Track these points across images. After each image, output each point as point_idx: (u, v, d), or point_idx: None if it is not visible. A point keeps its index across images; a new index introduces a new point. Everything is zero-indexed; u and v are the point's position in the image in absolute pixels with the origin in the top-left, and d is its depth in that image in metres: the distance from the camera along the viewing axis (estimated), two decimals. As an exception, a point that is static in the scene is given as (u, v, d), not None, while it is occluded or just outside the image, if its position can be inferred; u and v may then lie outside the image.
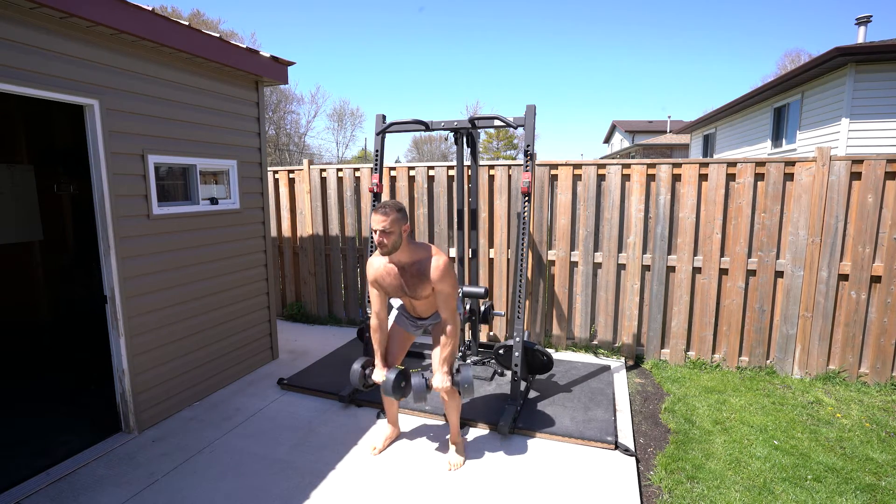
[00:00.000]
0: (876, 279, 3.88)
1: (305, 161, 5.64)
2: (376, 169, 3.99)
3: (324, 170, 5.51)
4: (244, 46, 3.78)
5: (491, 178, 4.75)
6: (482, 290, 3.74)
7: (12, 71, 2.48)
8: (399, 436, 3.17)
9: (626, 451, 2.98)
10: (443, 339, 2.70)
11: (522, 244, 3.52)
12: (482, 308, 4.06)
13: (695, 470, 2.84)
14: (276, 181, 5.78)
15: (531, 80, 79.43)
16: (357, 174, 5.36)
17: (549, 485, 2.66)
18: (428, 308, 2.83)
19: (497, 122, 3.58)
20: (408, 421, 3.37)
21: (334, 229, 5.55)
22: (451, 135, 4.02)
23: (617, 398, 3.72)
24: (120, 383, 3.13)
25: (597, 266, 4.57)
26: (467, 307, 3.91)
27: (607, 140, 39.46)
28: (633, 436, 3.24)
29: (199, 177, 3.67)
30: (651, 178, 4.30)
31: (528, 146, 3.59)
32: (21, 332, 5.09)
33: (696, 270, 4.30)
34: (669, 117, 30.76)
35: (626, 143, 32.26)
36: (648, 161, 4.28)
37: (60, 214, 5.49)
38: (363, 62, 79.87)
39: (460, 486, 2.66)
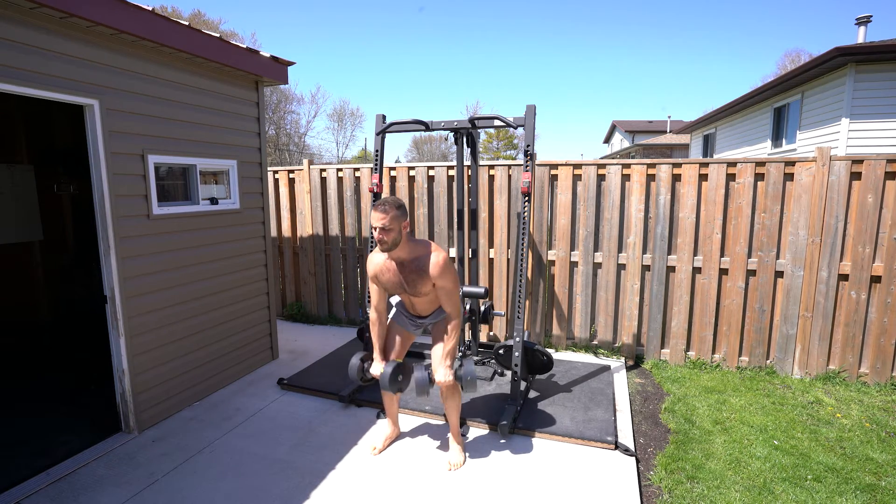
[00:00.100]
0: (876, 279, 3.88)
1: (305, 161, 5.64)
2: (376, 169, 3.99)
3: (324, 170, 5.51)
4: (244, 46, 3.78)
5: (491, 178, 4.75)
6: (482, 290, 3.74)
7: (12, 71, 2.48)
8: (399, 436, 3.17)
9: (626, 451, 2.98)
10: (445, 332, 2.71)
11: (522, 244, 3.52)
12: (482, 308, 4.06)
13: (695, 470, 2.84)
14: (276, 181, 5.78)
15: (531, 80, 79.54)
16: (357, 174, 5.36)
17: (550, 485, 2.66)
18: (427, 306, 2.83)
19: (497, 122, 3.58)
20: (408, 421, 3.37)
21: (334, 229, 5.55)
22: (451, 135, 4.02)
23: (617, 398, 3.72)
24: (120, 383, 3.13)
25: (597, 266, 4.57)
26: (467, 307, 3.91)
27: (607, 140, 39.46)
28: (633, 436, 3.24)
29: (199, 177, 3.67)
30: (651, 178, 4.30)
31: (528, 146, 3.59)
32: (21, 332, 5.09)
33: (696, 270, 4.30)
34: (669, 117, 30.77)
35: (626, 143, 32.26)
36: (648, 161, 4.28)
37: (60, 214, 5.49)
38: (363, 62, 79.97)
39: (460, 485, 2.66)
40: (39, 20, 2.58)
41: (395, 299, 3.03)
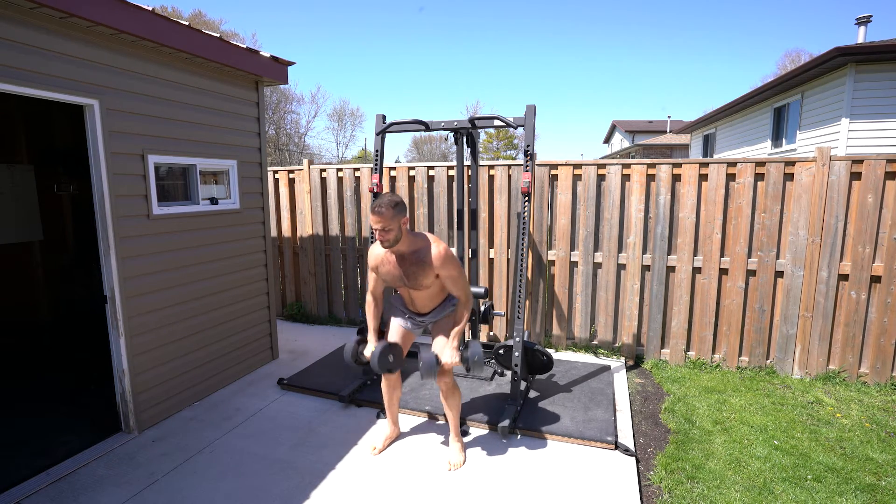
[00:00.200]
0: (876, 279, 3.88)
1: (305, 161, 5.64)
2: (376, 169, 3.99)
3: (324, 170, 5.51)
4: (244, 46, 3.78)
5: (491, 178, 4.75)
6: (482, 290, 3.75)
7: (12, 71, 2.48)
8: (399, 436, 3.17)
9: (626, 451, 2.98)
10: (452, 319, 2.73)
11: (522, 244, 3.52)
12: (482, 308, 4.06)
13: (695, 470, 2.84)
14: (276, 181, 5.78)
15: (531, 80, 79.54)
16: (357, 174, 5.36)
17: (550, 485, 2.66)
18: (427, 302, 2.82)
19: (497, 122, 3.58)
20: (408, 421, 3.37)
21: (334, 229, 5.55)
22: (451, 135, 4.02)
23: (617, 398, 3.72)
24: (120, 383, 3.13)
25: (597, 266, 4.57)
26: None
27: (607, 140, 39.46)
28: (633, 436, 3.24)
29: (199, 177, 3.67)
30: (651, 178, 4.30)
31: (528, 146, 3.59)
32: (21, 332, 5.09)
33: (696, 270, 4.30)
34: (669, 117, 30.77)
35: (626, 143, 32.26)
36: (648, 161, 4.28)
37: (60, 214, 5.49)
38: (363, 62, 79.98)
39: (460, 485, 2.66)
40: (39, 20, 2.58)
41: (395, 299, 3.03)
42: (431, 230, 5.09)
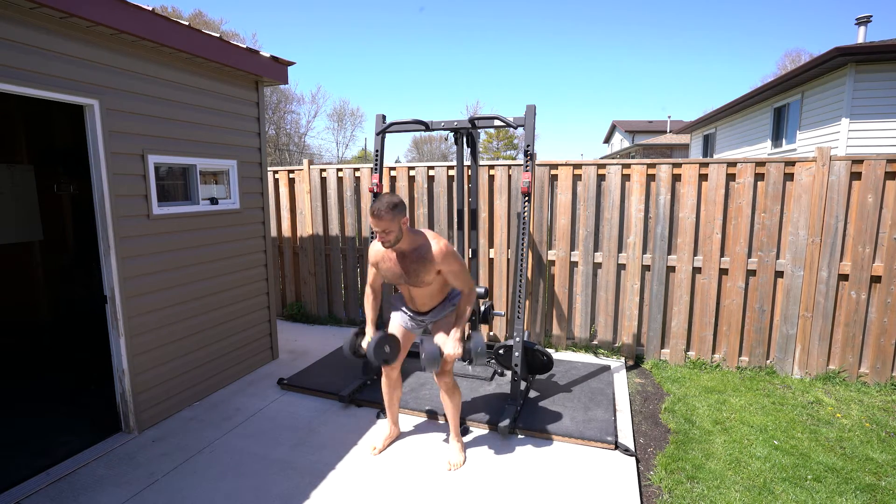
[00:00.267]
0: (876, 279, 3.88)
1: (305, 161, 5.64)
2: (376, 169, 3.99)
3: (324, 170, 5.51)
4: (244, 46, 3.78)
5: (491, 178, 4.75)
6: (482, 290, 3.74)
7: (12, 71, 2.48)
8: (399, 436, 3.17)
9: (626, 451, 2.98)
10: (461, 303, 2.74)
11: (522, 244, 3.52)
12: (482, 308, 4.06)
13: (695, 470, 2.84)
14: (276, 181, 5.78)
15: (531, 80, 79.50)
16: (357, 174, 5.36)
17: (549, 485, 2.66)
18: (427, 300, 2.81)
19: (497, 122, 3.59)
20: (408, 421, 3.37)
21: (334, 229, 5.55)
22: (451, 135, 4.02)
23: (617, 398, 3.72)
24: (120, 383, 3.13)
25: (597, 266, 4.57)
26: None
27: (607, 140, 39.46)
28: (633, 436, 3.24)
29: (199, 177, 3.67)
30: (651, 178, 4.30)
31: (528, 146, 3.59)
32: (21, 332, 5.09)
33: (696, 270, 4.30)
34: (669, 117, 30.76)
35: (626, 143, 32.26)
36: (648, 161, 4.28)
37: (60, 214, 5.49)
38: (363, 62, 79.95)
39: (460, 485, 2.66)
40: (39, 20, 2.58)
41: (395, 298, 3.03)
42: (431, 230, 5.09)
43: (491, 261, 4.87)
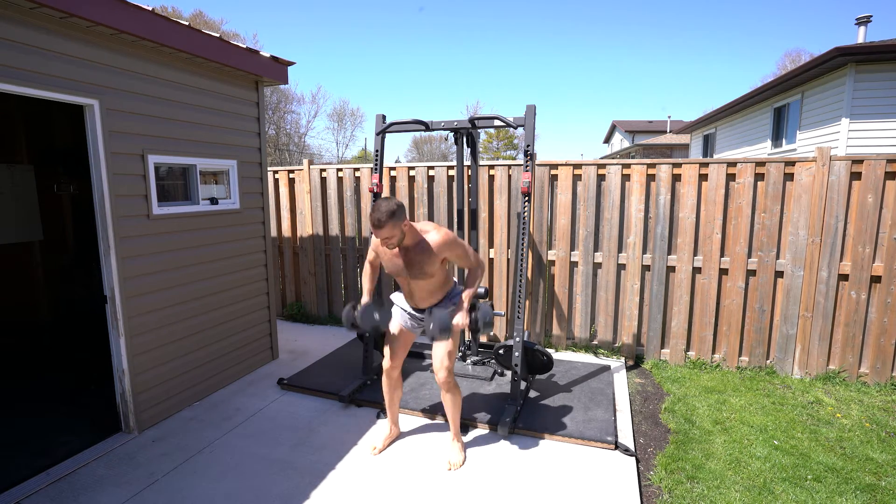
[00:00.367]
0: (876, 279, 3.88)
1: (305, 161, 5.64)
2: (376, 169, 3.99)
3: (324, 170, 5.51)
4: (244, 46, 3.78)
5: (491, 178, 4.75)
6: (482, 291, 3.74)
7: (12, 71, 2.48)
8: (399, 436, 3.17)
9: (626, 451, 2.98)
10: (469, 276, 2.76)
11: (522, 244, 3.52)
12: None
13: (695, 470, 2.84)
14: (276, 181, 5.78)
15: (531, 80, 79.43)
16: (357, 174, 5.36)
17: (549, 484, 2.66)
18: (427, 296, 2.81)
19: (497, 122, 3.58)
20: (408, 421, 3.37)
21: (334, 229, 5.55)
22: (451, 135, 4.02)
23: (617, 398, 3.72)
24: (120, 383, 3.13)
25: (597, 266, 4.57)
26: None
27: (607, 140, 39.46)
28: (633, 436, 3.24)
29: (199, 177, 3.67)
30: (651, 178, 4.30)
31: (528, 146, 3.59)
32: (21, 332, 5.09)
33: (696, 270, 4.30)
34: (669, 117, 30.77)
35: (626, 143, 32.26)
36: (648, 161, 4.28)
37: (60, 214, 5.49)
38: (363, 62, 79.87)
39: (460, 485, 2.66)
40: (39, 20, 2.58)
41: (397, 298, 3.03)
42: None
43: (491, 261, 4.87)
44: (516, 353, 3.37)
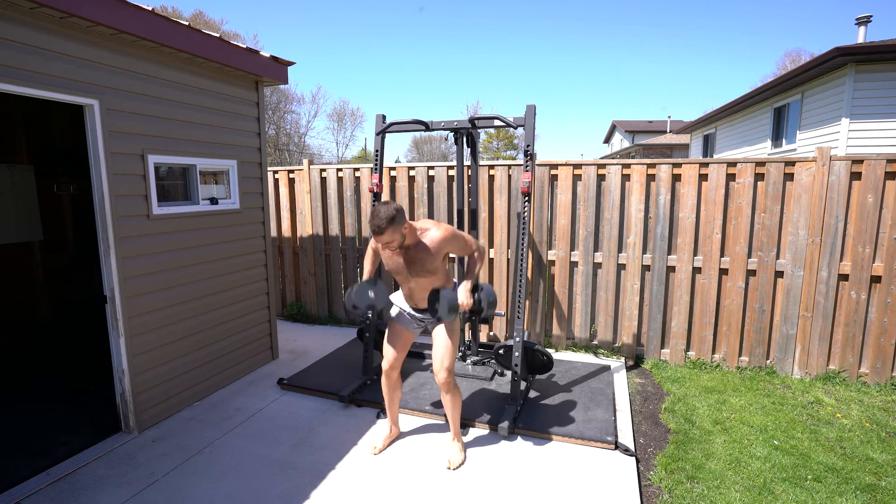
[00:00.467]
0: (876, 279, 3.88)
1: (305, 161, 5.64)
2: (376, 169, 3.99)
3: (324, 170, 5.51)
4: (244, 46, 3.78)
5: (491, 178, 4.75)
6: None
7: (12, 71, 2.48)
8: (399, 435, 3.17)
9: (626, 451, 2.98)
10: (469, 260, 2.79)
11: (522, 244, 3.52)
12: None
13: (695, 470, 2.84)
14: (276, 181, 5.78)
15: (531, 80, 79.42)
16: (357, 174, 5.36)
17: (549, 484, 2.66)
18: (426, 296, 2.81)
19: (497, 122, 3.58)
20: (408, 421, 3.37)
21: (334, 229, 5.55)
22: (451, 135, 4.02)
23: (617, 398, 3.72)
24: (120, 383, 3.13)
25: (597, 266, 4.57)
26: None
27: (607, 140, 39.46)
28: (633, 436, 3.24)
29: (199, 177, 3.67)
30: (651, 178, 4.30)
31: (528, 146, 3.59)
32: (21, 332, 5.09)
33: (696, 270, 4.30)
34: (669, 117, 30.76)
35: (626, 143, 32.26)
36: (648, 161, 4.28)
37: (60, 214, 5.49)
38: (363, 62, 79.86)
39: (460, 485, 2.66)
40: (39, 20, 2.58)
41: (396, 298, 3.02)
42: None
43: (491, 261, 4.87)
44: (516, 353, 3.37)
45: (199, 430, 3.26)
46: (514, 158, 33.08)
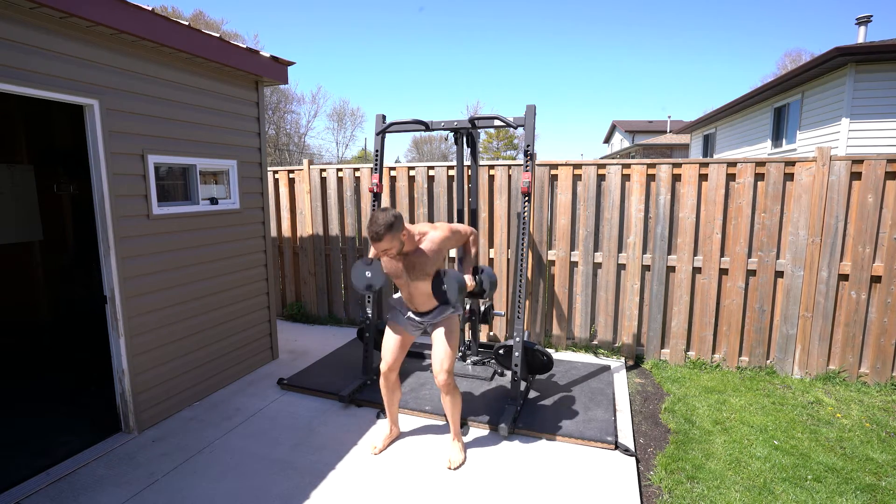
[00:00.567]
0: (876, 279, 3.88)
1: (305, 161, 5.64)
2: (376, 169, 3.99)
3: (324, 170, 5.51)
4: (244, 46, 3.78)
5: (491, 178, 4.75)
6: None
7: (12, 71, 2.48)
8: (399, 435, 3.17)
9: (626, 451, 2.98)
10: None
11: (522, 244, 3.52)
12: (482, 308, 4.06)
13: (695, 470, 2.84)
14: (276, 181, 5.78)
15: (531, 80, 79.34)
16: (357, 174, 5.36)
17: (549, 484, 2.66)
18: (426, 300, 2.81)
19: (497, 122, 3.58)
20: (408, 421, 3.37)
21: (334, 229, 5.55)
22: (451, 135, 4.02)
23: (617, 398, 3.72)
24: (120, 383, 3.13)
25: (597, 266, 4.57)
26: (467, 307, 3.91)
27: (607, 140, 39.46)
28: (633, 436, 3.24)
29: (199, 177, 3.67)
30: (651, 178, 4.30)
31: (528, 146, 3.59)
32: (21, 332, 5.09)
33: (696, 270, 4.30)
34: (669, 117, 30.76)
35: (626, 143, 32.26)
36: (648, 161, 4.28)
37: (60, 214, 5.49)
38: (363, 62, 79.81)
39: (460, 485, 2.66)
40: (39, 20, 2.58)
41: (395, 299, 3.02)
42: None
43: (491, 261, 4.87)
44: (516, 353, 3.37)
45: (199, 430, 3.26)
46: (514, 158, 33.08)
